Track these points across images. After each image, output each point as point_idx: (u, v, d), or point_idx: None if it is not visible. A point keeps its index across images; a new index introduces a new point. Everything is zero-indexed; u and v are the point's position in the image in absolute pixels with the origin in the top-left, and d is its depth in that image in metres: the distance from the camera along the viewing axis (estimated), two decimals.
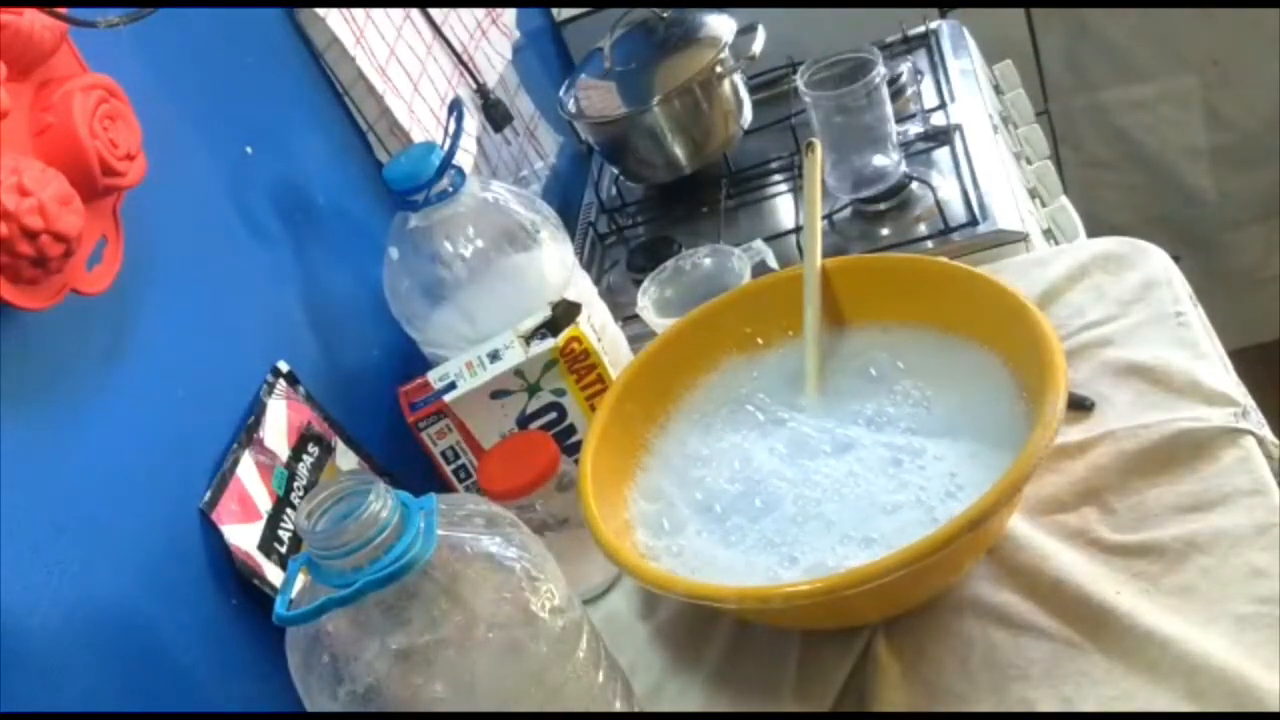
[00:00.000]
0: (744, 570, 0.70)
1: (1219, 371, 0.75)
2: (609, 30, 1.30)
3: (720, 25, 1.27)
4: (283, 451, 0.79)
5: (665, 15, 1.30)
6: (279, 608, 0.53)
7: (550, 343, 0.84)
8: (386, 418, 0.93)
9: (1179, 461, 0.70)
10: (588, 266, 1.26)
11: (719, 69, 1.24)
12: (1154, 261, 0.86)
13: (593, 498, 0.73)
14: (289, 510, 0.77)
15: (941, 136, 1.20)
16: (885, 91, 1.09)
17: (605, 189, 1.40)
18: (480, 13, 1.27)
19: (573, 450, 0.86)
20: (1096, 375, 0.78)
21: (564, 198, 1.43)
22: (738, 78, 1.28)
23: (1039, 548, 0.68)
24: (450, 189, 0.88)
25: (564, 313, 0.86)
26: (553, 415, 0.87)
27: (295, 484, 0.79)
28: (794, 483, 0.74)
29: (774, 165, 1.30)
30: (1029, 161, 1.34)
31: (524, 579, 0.56)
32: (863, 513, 0.70)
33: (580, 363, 0.85)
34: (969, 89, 1.28)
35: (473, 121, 1.17)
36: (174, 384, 0.73)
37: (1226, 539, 0.64)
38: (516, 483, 0.79)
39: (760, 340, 0.86)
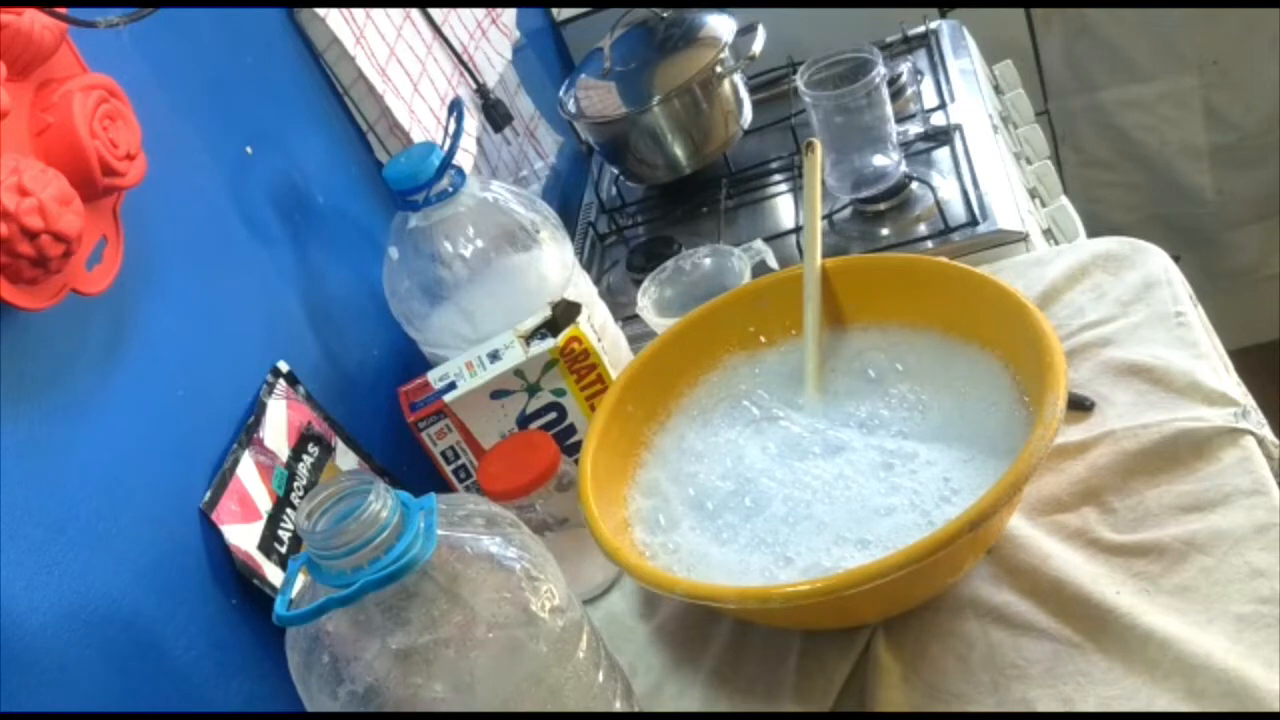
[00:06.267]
0: (739, 569, 0.70)
1: (1219, 371, 0.75)
2: (609, 30, 1.30)
3: (720, 25, 1.27)
4: (283, 451, 0.79)
5: (665, 15, 1.30)
6: (279, 608, 0.53)
7: (550, 343, 0.84)
8: (386, 418, 0.93)
9: (1179, 461, 0.70)
10: (588, 266, 1.26)
11: (719, 69, 1.24)
12: (1154, 261, 0.86)
13: (593, 498, 0.73)
14: (289, 510, 0.77)
15: (941, 136, 1.20)
16: (885, 91, 1.09)
17: (605, 189, 1.40)
18: (480, 13, 1.27)
19: (573, 450, 0.86)
20: (1096, 375, 0.79)
21: (564, 198, 1.43)
22: (738, 78, 1.28)
23: (1039, 548, 0.68)
24: (450, 189, 0.88)
25: (564, 313, 0.86)
26: (553, 415, 0.87)
27: (295, 484, 0.79)
28: (783, 483, 0.74)
29: (774, 165, 1.30)
30: (1029, 161, 1.34)
31: (524, 579, 0.56)
32: (855, 515, 0.70)
33: (580, 363, 0.85)
34: (969, 89, 1.28)
35: (473, 121, 1.17)
36: (174, 384, 0.73)
37: (1226, 539, 0.64)
38: (516, 483, 0.79)
39: (763, 338, 0.86)
